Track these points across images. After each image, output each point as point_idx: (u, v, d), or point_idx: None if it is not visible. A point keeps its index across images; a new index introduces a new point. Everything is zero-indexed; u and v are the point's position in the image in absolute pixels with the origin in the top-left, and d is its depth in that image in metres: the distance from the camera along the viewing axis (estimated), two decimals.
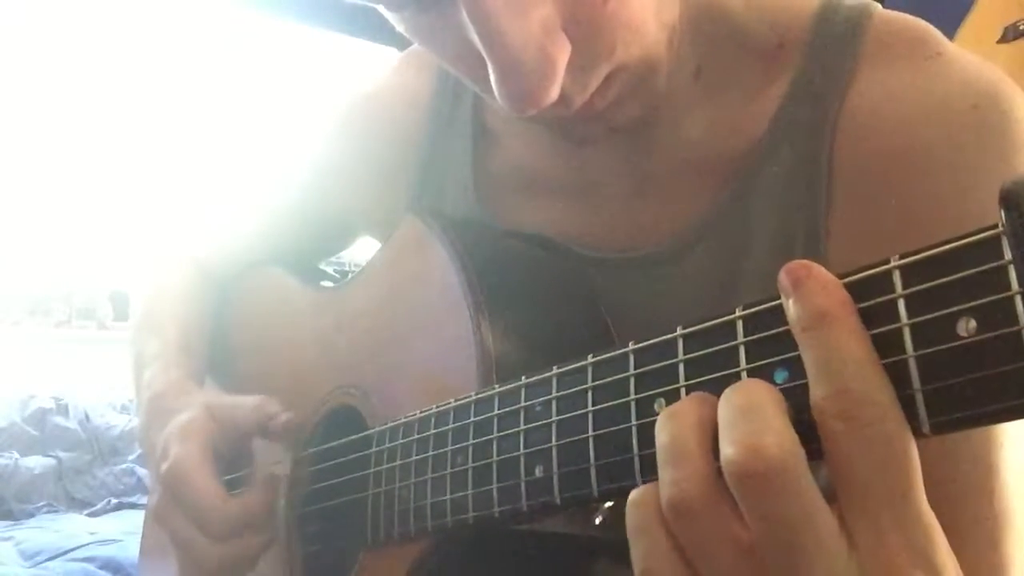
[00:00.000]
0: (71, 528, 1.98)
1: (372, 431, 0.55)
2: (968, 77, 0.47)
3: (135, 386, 0.72)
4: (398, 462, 0.51)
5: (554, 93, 0.42)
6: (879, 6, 0.52)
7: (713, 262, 0.52)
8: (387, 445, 0.53)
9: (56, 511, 2.15)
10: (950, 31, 1.58)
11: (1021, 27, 1.56)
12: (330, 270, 0.85)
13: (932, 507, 0.46)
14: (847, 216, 0.49)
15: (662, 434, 0.32)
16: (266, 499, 0.59)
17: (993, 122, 0.46)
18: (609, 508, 0.39)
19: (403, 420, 0.51)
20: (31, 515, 2.12)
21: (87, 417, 2.41)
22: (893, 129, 0.48)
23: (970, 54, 0.49)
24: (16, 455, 2.23)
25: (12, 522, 2.05)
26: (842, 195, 0.50)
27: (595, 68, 0.45)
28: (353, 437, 0.58)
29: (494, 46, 0.41)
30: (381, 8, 0.45)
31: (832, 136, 0.50)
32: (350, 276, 0.68)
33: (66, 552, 1.78)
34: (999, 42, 1.58)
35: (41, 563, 1.74)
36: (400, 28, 0.47)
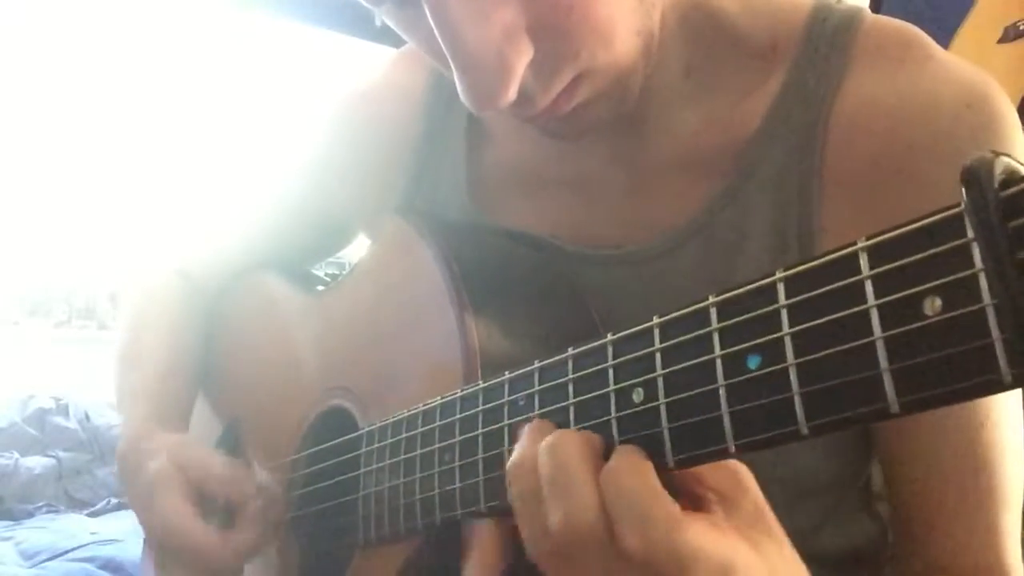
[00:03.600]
0: (71, 528, 1.97)
1: (361, 431, 0.55)
2: (960, 79, 0.49)
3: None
4: (387, 461, 0.51)
5: (510, 95, 0.44)
6: (869, 11, 0.53)
7: (706, 259, 0.53)
8: (376, 445, 0.53)
9: (56, 511, 2.15)
10: (950, 31, 1.57)
11: (1021, 27, 1.56)
12: (330, 270, 0.85)
13: (919, 482, 0.48)
14: (841, 213, 0.50)
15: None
16: (261, 524, 0.59)
17: (986, 121, 0.47)
18: None
19: (391, 419, 0.51)
20: (31, 515, 2.11)
21: (87, 417, 2.41)
22: (885, 127, 0.49)
23: (958, 58, 0.50)
24: (16, 455, 2.23)
25: (12, 522, 2.05)
26: (836, 193, 0.50)
27: (559, 72, 0.46)
28: (343, 438, 0.58)
29: (453, 47, 0.43)
30: (363, 1, 0.46)
31: (824, 135, 0.50)
32: (340, 278, 0.68)
33: (66, 552, 1.78)
34: (999, 42, 1.58)
35: (41, 563, 1.74)
36: (386, 20, 0.47)
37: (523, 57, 0.43)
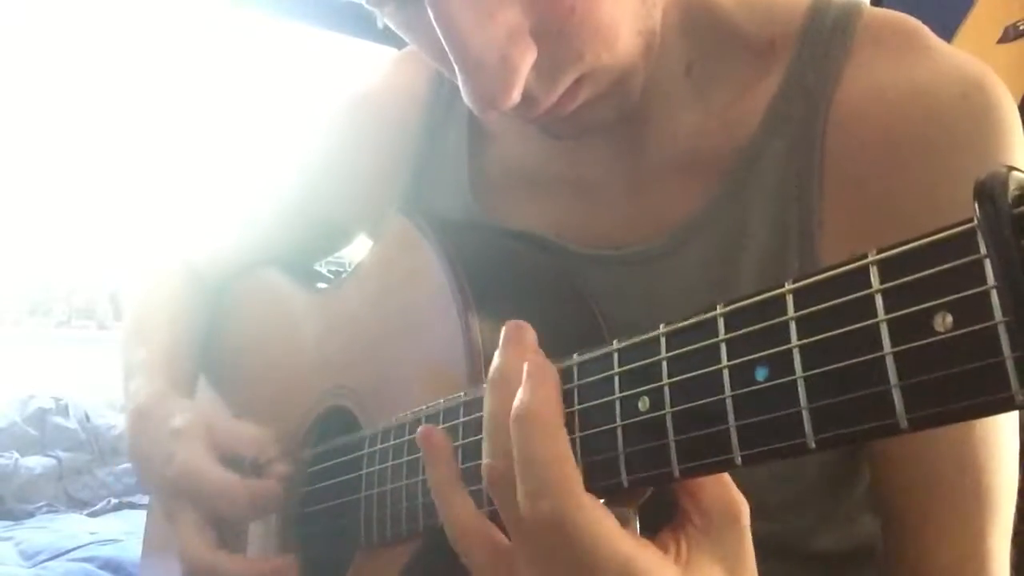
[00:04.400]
0: (71, 528, 1.98)
1: (364, 433, 0.55)
2: (956, 69, 0.48)
3: (124, 396, 0.72)
4: (390, 463, 0.51)
5: (515, 96, 0.44)
6: (868, 4, 0.53)
7: (708, 258, 0.53)
8: (379, 447, 0.53)
9: (56, 511, 2.15)
10: (950, 31, 1.57)
11: (1021, 27, 1.56)
12: (330, 269, 0.85)
13: (909, 484, 0.49)
14: (840, 208, 0.50)
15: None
16: (277, 482, 0.59)
17: (982, 111, 0.47)
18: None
19: (394, 422, 0.51)
20: (31, 515, 2.12)
21: (87, 417, 2.41)
22: (883, 120, 0.49)
23: (957, 49, 0.50)
24: (16, 455, 2.23)
25: (12, 522, 2.05)
26: (834, 187, 0.50)
27: (562, 73, 0.46)
28: (346, 439, 0.58)
29: (456, 49, 0.42)
30: (363, 2, 0.46)
31: (823, 130, 0.50)
32: (343, 277, 0.68)
33: (66, 552, 1.78)
34: (999, 42, 1.58)
35: (41, 563, 1.74)
36: (388, 22, 0.47)
37: (527, 59, 0.43)
